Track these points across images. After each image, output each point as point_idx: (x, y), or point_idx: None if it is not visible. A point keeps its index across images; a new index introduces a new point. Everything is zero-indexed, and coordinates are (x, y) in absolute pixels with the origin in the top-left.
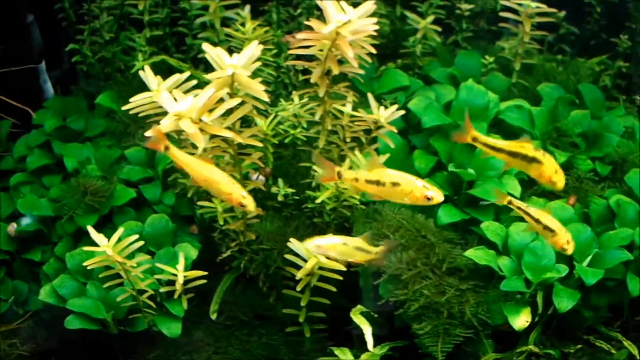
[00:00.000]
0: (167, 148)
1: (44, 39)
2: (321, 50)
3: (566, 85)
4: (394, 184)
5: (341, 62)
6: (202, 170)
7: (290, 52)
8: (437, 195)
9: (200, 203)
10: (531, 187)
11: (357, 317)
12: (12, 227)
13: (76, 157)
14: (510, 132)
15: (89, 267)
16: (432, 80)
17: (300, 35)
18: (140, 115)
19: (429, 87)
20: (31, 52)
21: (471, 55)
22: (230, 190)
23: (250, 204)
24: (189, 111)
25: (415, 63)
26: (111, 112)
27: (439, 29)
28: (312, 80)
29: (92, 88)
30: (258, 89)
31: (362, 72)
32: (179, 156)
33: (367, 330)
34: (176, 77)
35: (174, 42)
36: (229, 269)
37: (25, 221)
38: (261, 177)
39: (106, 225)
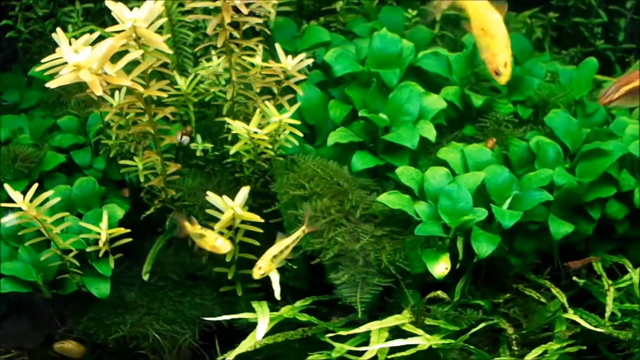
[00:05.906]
0: None
1: None
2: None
3: None
4: None
5: (254, 14)
6: (485, 17)
7: (188, 6)
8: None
9: (122, 162)
10: (451, 133)
11: None
12: None
13: (9, 127)
14: (429, 80)
15: (7, 226)
16: (355, 36)
17: None
18: (49, 73)
19: (350, 42)
20: None
21: (395, 10)
22: (498, 51)
23: (505, 74)
24: (88, 62)
25: (338, 20)
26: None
27: None
28: (208, 32)
29: (30, 64)
30: (159, 41)
31: (260, 20)
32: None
33: (275, 278)
34: (86, 37)
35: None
36: (162, 231)
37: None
38: (185, 137)
39: (37, 191)
